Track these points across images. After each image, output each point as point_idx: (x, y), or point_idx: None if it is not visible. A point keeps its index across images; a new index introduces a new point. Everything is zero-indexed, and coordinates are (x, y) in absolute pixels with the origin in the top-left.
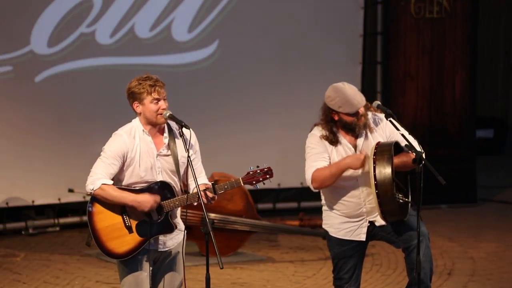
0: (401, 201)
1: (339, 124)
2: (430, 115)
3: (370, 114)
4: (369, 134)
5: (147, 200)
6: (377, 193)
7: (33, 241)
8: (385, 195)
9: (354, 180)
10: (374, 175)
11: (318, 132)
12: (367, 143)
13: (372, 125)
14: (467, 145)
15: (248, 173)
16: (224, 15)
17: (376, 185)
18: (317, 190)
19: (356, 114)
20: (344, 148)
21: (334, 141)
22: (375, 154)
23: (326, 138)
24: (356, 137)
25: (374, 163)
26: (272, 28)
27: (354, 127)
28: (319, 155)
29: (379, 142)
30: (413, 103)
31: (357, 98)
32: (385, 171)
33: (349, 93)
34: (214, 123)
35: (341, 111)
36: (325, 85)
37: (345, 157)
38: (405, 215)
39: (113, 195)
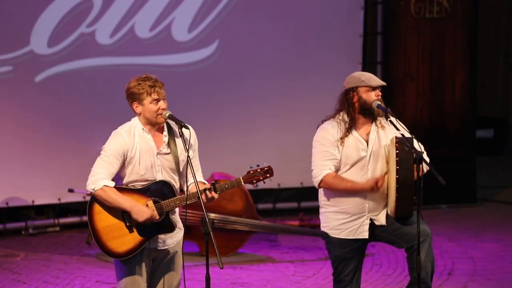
0: (413, 198)
1: (357, 107)
2: (430, 115)
3: None
4: (381, 130)
5: (145, 211)
6: (397, 179)
7: (33, 241)
8: (405, 180)
9: (363, 173)
10: (397, 160)
11: (329, 125)
12: (379, 139)
13: (383, 123)
14: (467, 145)
15: (249, 172)
16: (224, 15)
17: (398, 170)
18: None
19: (377, 90)
20: (356, 142)
21: (349, 128)
22: (397, 142)
23: (344, 123)
24: (369, 132)
25: (397, 149)
26: (272, 28)
27: (373, 109)
28: (327, 153)
29: (397, 136)
30: (413, 103)
31: (378, 79)
32: (407, 157)
33: (371, 74)
34: (214, 123)
35: (363, 85)
36: (325, 85)
37: (365, 183)
38: (412, 212)
39: (113, 198)
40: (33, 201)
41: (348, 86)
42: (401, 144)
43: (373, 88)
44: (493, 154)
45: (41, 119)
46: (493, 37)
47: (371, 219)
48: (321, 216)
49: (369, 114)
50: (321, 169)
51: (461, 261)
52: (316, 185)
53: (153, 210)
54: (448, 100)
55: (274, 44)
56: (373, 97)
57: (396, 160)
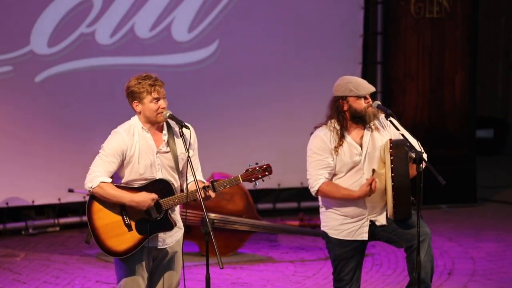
0: (411, 200)
1: (348, 116)
2: (430, 115)
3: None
4: (375, 132)
5: (144, 200)
6: (393, 186)
7: (33, 241)
8: (400, 186)
9: (359, 177)
10: (392, 167)
11: (322, 132)
12: (373, 142)
13: (377, 124)
14: (467, 145)
15: (247, 170)
16: (224, 15)
17: (393, 177)
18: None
19: (366, 98)
20: (350, 148)
21: (341, 136)
22: (391, 148)
23: (336, 131)
24: (362, 135)
25: (391, 156)
26: (272, 28)
27: (364, 115)
28: (322, 162)
29: (391, 139)
30: (413, 103)
31: (367, 84)
32: (402, 163)
33: (359, 80)
34: (213, 122)
35: (352, 94)
36: (325, 85)
37: (358, 190)
38: (411, 214)
39: (111, 194)
40: (33, 201)
41: (337, 94)
42: (396, 148)
43: (363, 98)
44: (493, 154)
45: (41, 119)
46: (493, 37)
47: (371, 220)
48: (321, 216)
49: (361, 121)
50: (316, 178)
51: (461, 261)
52: (313, 194)
53: (151, 196)
54: (448, 100)
55: (274, 44)
56: (363, 105)
57: (391, 167)
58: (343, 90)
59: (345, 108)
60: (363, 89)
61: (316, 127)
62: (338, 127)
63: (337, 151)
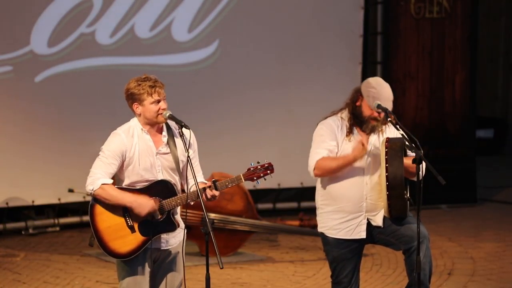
0: (405, 196)
1: (357, 111)
2: (430, 115)
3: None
4: (380, 135)
5: (146, 203)
6: (387, 176)
7: (33, 241)
8: (394, 178)
9: (360, 171)
10: (386, 159)
11: (331, 120)
12: (378, 141)
13: (383, 128)
14: (467, 145)
15: (249, 169)
16: (224, 15)
17: (387, 167)
18: (317, 177)
19: (375, 112)
20: (355, 141)
21: (351, 128)
22: (386, 141)
23: (347, 120)
24: (369, 134)
25: (386, 148)
26: (272, 28)
27: (364, 123)
28: (325, 144)
29: (388, 137)
30: (413, 103)
31: (388, 103)
32: (397, 155)
33: (385, 93)
34: (214, 123)
35: (367, 99)
36: (325, 85)
37: (352, 151)
38: (406, 212)
39: (112, 195)
40: (33, 201)
41: (361, 88)
42: (391, 142)
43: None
44: (493, 154)
45: (41, 119)
46: (493, 37)
47: (368, 219)
48: (318, 217)
49: (359, 124)
50: (314, 157)
51: (461, 261)
52: (311, 173)
53: (154, 203)
54: (448, 100)
55: (274, 44)
56: (368, 113)
57: (386, 159)
58: (364, 90)
59: (358, 103)
60: (375, 102)
61: (326, 117)
62: (350, 116)
63: (343, 139)
